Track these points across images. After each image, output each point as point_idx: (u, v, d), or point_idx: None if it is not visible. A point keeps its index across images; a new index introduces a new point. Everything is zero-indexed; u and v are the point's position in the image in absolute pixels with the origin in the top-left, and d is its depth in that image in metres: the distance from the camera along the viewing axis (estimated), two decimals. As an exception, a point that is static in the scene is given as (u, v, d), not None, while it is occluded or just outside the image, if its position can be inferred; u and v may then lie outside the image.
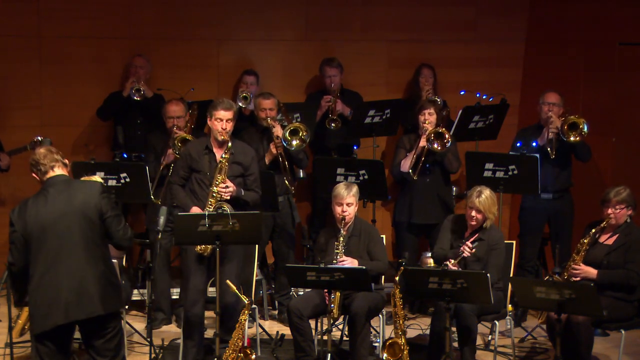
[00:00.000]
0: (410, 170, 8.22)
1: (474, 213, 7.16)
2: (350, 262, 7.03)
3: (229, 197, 7.03)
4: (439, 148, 8.15)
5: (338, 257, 7.06)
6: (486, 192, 7.18)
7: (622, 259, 7.09)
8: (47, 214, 5.63)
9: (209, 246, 6.95)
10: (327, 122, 8.92)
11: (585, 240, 7.15)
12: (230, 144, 7.05)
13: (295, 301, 7.17)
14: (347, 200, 7.18)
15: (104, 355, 5.74)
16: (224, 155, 7.05)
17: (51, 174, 5.75)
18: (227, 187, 7.01)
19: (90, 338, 5.74)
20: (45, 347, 5.69)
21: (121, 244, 5.82)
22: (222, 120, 7.06)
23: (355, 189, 7.24)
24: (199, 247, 7.00)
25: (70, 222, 5.62)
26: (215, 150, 7.14)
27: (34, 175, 5.80)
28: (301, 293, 7.70)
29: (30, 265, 5.66)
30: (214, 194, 7.02)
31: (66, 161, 5.84)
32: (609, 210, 7.14)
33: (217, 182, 7.02)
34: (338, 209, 7.21)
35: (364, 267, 6.76)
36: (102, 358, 5.74)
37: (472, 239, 7.18)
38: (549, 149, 8.17)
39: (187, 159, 7.21)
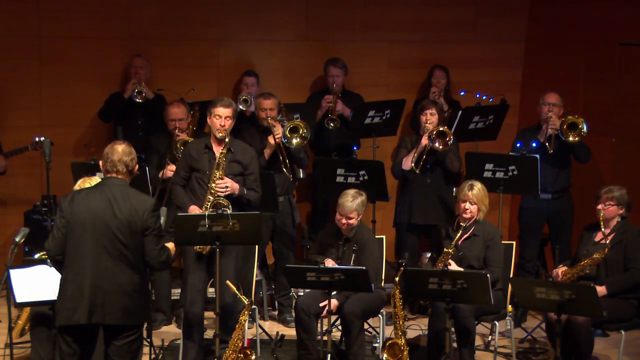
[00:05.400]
0: (413, 165, 8.22)
1: (468, 205, 7.17)
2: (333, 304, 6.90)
3: (226, 193, 7.02)
4: (441, 147, 8.15)
5: None
6: (478, 185, 7.21)
7: (620, 256, 7.11)
8: (92, 211, 5.61)
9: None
10: (325, 122, 8.93)
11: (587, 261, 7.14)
12: (227, 140, 7.05)
13: (303, 298, 7.17)
14: (350, 214, 7.13)
15: (121, 357, 5.71)
16: (222, 151, 7.05)
17: (113, 175, 5.74)
18: (224, 183, 6.99)
19: (111, 338, 5.71)
20: (68, 347, 5.67)
21: (153, 264, 5.75)
22: (220, 117, 7.06)
23: (359, 200, 7.16)
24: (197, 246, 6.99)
25: (111, 227, 5.59)
26: (215, 148, 7.14)
27: (100, 163, 5.78)
28: (301, 294, 7.69)
29: (66, 257, 5.67)
30: (212, 191, 7.02)
31: (133, 170, 5.80)
32: (599, 206, 7.19)
33: (214, 178, 7.02)
34: (338, 217, 7.20)
35: (363, 268, 6.76)
36: (119, 359, 5.73)
37: (465, 236, 7.18)
38: (547, 144, 8.17)
39: (187, 158, 7.21)
